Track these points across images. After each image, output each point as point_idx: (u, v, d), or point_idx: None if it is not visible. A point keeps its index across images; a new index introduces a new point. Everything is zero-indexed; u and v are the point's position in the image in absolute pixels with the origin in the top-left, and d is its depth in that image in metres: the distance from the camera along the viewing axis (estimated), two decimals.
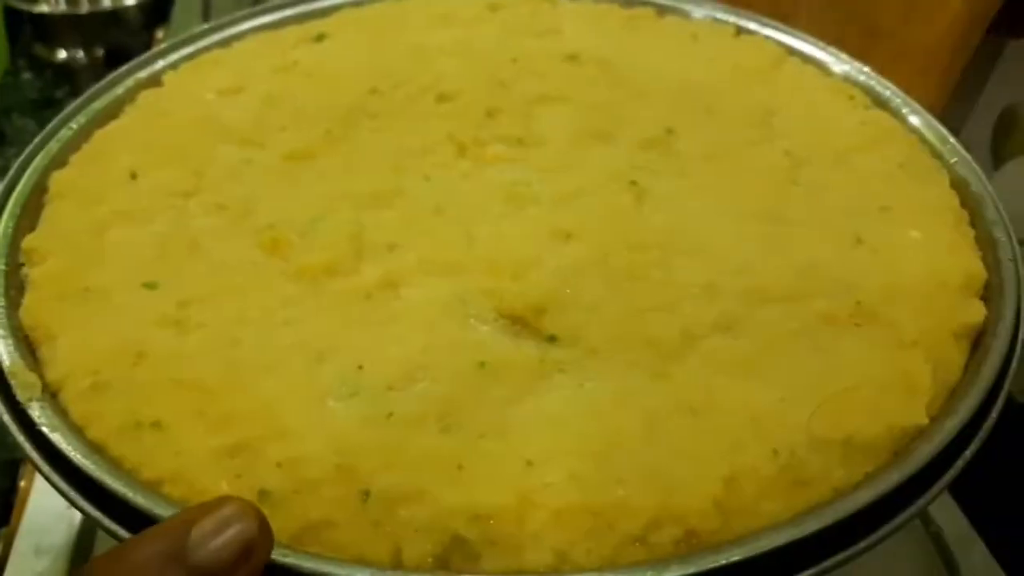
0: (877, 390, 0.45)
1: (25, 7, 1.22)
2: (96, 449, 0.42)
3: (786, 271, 0.51)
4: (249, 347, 0.47)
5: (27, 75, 1.24)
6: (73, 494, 0.41)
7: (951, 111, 0.65)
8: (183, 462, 0.42)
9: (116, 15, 1.24)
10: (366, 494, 0.40)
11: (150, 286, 0.50)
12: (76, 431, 0.43)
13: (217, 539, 0.32)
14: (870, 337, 0.48)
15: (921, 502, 0.41)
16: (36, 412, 0.44)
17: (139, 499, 0.39)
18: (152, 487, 0.41)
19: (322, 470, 0.41)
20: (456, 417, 0.43)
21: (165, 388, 0.45)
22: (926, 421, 0.44)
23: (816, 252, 0.53)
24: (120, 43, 1.24)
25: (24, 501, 0.68)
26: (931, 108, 0.65)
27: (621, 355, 0.46)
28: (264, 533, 0.33)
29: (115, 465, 0.42)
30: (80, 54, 1.25)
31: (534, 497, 0.40)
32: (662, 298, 0.49)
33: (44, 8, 1.23)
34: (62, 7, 1.23)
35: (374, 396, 0.44)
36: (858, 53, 0.70)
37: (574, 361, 0.46)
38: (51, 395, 0.45)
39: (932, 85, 0.96)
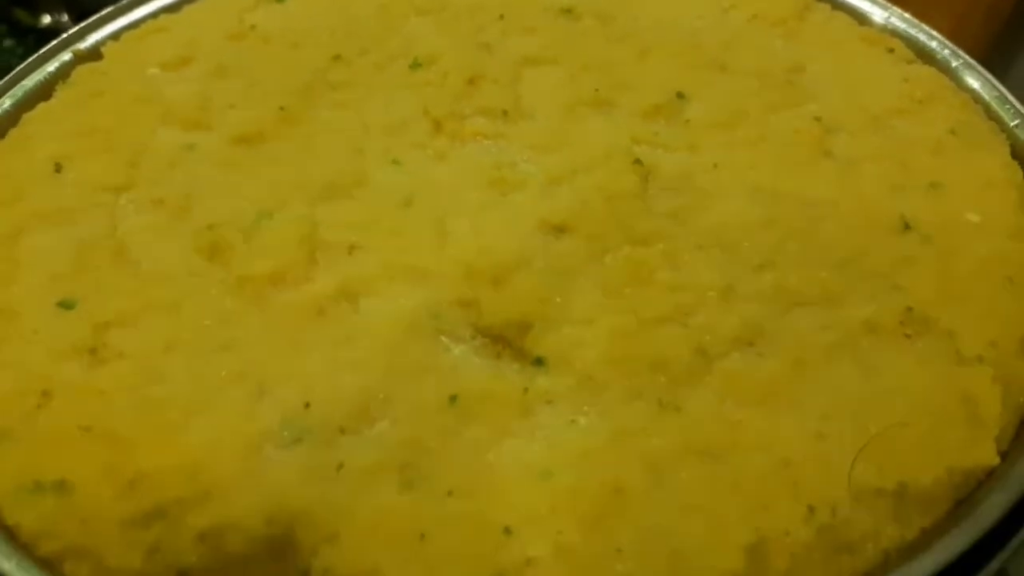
0: (934, 421, 0.37)
1: None
2: None
3: (819, 267, 0.43)
4: (175, 382, 0.39)
5: (9, 41, 1.15)
6: None
7: (991, 63, 0.56)
8: (90, 532, 0.34)
9: None
10: (305, 574, 0.33)
11: (66, 305, 0.43)
12: None
13: None
14: (924, 351, 0.40)
15: (993, 565, 0.33)
16: None
17: None
18: (52, 565, 0.34)
19: (252, 543, 0.34)
20: (420, 468, 0.36)
21: (72, 438, 0.37)
22: (996, 461, 0.36)
23: (855, 241, 0.45)
24: (105, 5, 1.15)
25: None
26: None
27: (621, 381, 0.39)
28: None
29: (9, 535, 0.35)
30: (65, 18, 1.16)
31: None
32: (670, 306, 0.42)
33: None
34: None
35: (322, 441, 0.37)
36: None
37: (565, 391, 0.39)
38: None
39: (971, 32, 0.86)
